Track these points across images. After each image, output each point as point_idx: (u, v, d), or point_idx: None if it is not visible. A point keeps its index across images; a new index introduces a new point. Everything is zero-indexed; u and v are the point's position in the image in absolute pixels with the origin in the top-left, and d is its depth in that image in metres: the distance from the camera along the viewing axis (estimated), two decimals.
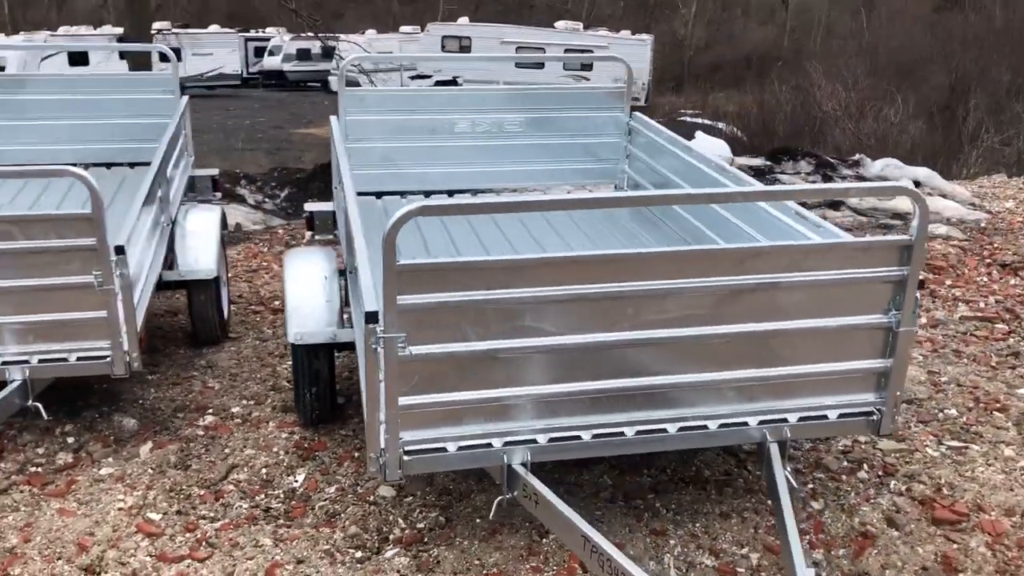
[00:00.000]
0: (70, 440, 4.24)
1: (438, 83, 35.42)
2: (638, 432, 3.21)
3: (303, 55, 40.14)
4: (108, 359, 3.96)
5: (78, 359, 3.97)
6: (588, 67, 33.13)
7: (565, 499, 3.02)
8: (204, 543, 3.46)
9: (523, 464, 3.14)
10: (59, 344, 3.96)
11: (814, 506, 3.68)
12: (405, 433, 3.03)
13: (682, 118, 32.87)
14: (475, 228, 5.04)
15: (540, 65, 33.16)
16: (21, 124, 6.22)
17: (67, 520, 3.58)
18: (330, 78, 38.53)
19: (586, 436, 3.18)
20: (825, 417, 3.35)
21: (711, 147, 13.88)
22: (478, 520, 3.60)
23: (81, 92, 6.31)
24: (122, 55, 25.29)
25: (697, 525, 3.58)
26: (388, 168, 5.60)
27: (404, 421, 3.01)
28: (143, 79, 6.52)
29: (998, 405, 4.55)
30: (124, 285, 3.90)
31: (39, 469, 4.01)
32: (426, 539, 3.50)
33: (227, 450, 4.17)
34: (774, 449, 3.31)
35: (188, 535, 3.52)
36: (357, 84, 31.51)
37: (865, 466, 3.99)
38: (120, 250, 3.85)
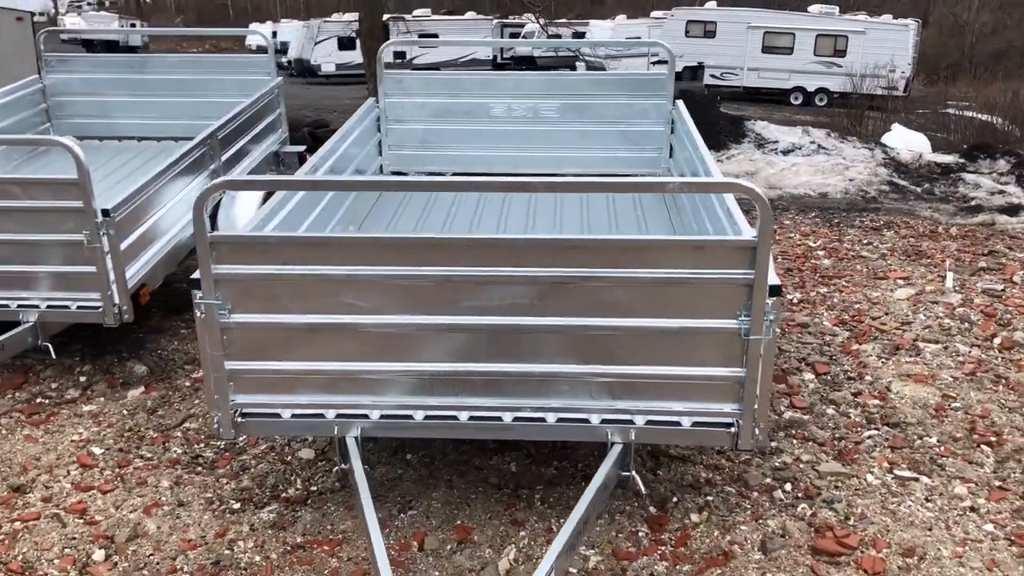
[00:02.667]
0: (82, 379, 4.81)
1: (685, 69, 34.96)
2: (471, 417, 3.21)
3: (554, 40, 40.91)
4: (100, 310, 4.47)
5: (77, 308, 4.51)
6: (842, 52, 31.31)
7: (422, 477, 3.11)
8: (119, 479, 3.85)
9: (355, 438, 3.25)
10: (63, 294, 4.52)
11: (692, 518, 3.49)
12: (239, 396, 3.23)
13: (947, 109, 30.24)
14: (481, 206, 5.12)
15: (790, 50, 31.81)
16: (140, 101, 6.99)
17: (27, 445, 4.11)
18: (578, 63, 39.01)
19: (418, 416, 3.23)
20: (678, 424, 3.18)
21: (906, 141, 12.86)
22: (328, 496, 3.73)
23: (191, 72, 6.99)
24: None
25: (561, 521, 3.51)
26: (424, 149, 5.78)
27: (236, 385, 3.21)
28: (245, 62, 7.09)
29: (993, 439, 4.04)
30: (113, 245, 4.38)
31: (47, 401, 4.60)
32: (309, 501, 3.69)
33: (196, 401, 4.56)
34: (615, 450, 3.19)
35: (118, 470, 3.93)
36: (602, 68, 31.50)
37: (788, 486, 3.72)
38: (106, 213, 4.33)
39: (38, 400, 4.59)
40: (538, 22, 35.03)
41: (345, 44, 37.63)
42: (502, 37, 43.78)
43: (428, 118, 5.79)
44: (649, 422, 3.19)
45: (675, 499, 3.62)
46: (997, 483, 3.70)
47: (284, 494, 3.75)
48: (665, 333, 3.05)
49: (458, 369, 3.16)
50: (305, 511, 3.59)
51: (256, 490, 3.77)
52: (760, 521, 3.47)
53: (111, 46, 45.30)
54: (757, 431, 3.15)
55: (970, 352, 5.05)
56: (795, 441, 4.09)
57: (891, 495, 3.63)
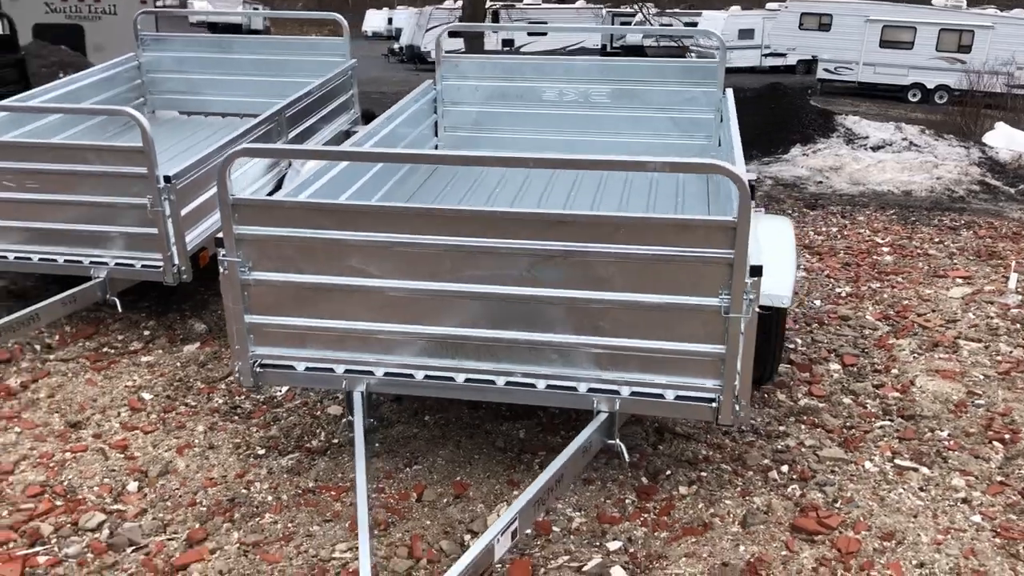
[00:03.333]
0: (146, 333, 5.22)
1: (799, 63, 34.21)
2: (467, 380, 3.42)
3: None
4: (160, 269, 4.85)
5: (141, 266, 4.91)
6: (967, 48, 30.13)
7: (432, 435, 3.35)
8: (161, 422, 4.21)
9: (361, 393, 3.50)
10: (129, 253, 4.92)
11: (680, 491, 3.61)
12: (258, 348, 3.52)
13: None
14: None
15: (910, 45, 30.77)
16: (225, 79, 7.42)
17: (87, 388, 4.52)
18: (688, 54, 38.61)
19: (419, 376, 3.45)
20: (662, 396, 3.31)
21: (1009, 140, 12.41)
22: (377, 445, 3.99)
23: (272, 53, 7.38)
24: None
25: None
26: (477, 131, 5.99)
27: (256, 337, 3.50)
28: (322, 44, 7.42)
29: (1008, 436, 4.02)
30: (174, 209, 4.76)
31: (112, 350, 5.01)
32: (328, 452, 3.97)
33: None
34: (600, 418, 3.35)
35: (162, 415, 4.29)
36: (686, 54, 30.92)
37: (785, 467, 3.80)
38: (168, 179, 4.70)
39: (104, 349, 5.01)
40: (642, 11, 34.74)
41: (455, 31, 38.10)
42: (613, 25, 43.66)
43: (482, 101, 6.00)
44: (634, 393, 3.33)
45: (668, 472, 3.75)
46: (999, 478, 3.70)
47: (307, 444, 4.04)
48: (650, 308, 3.19)
49: (455, 333, 3.36)
50: (322, 460, 3.87)
51: (282, 439, 4.07)
52: (747, 498, 3.57)
53: (235, 29, 47.04)
54: (738, 407, 3.25)
55: (1012, 352, 4.97)
56: (804, 427, 4.15)
57: (885, 483, 3.67)
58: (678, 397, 3.30)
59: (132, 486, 3.69)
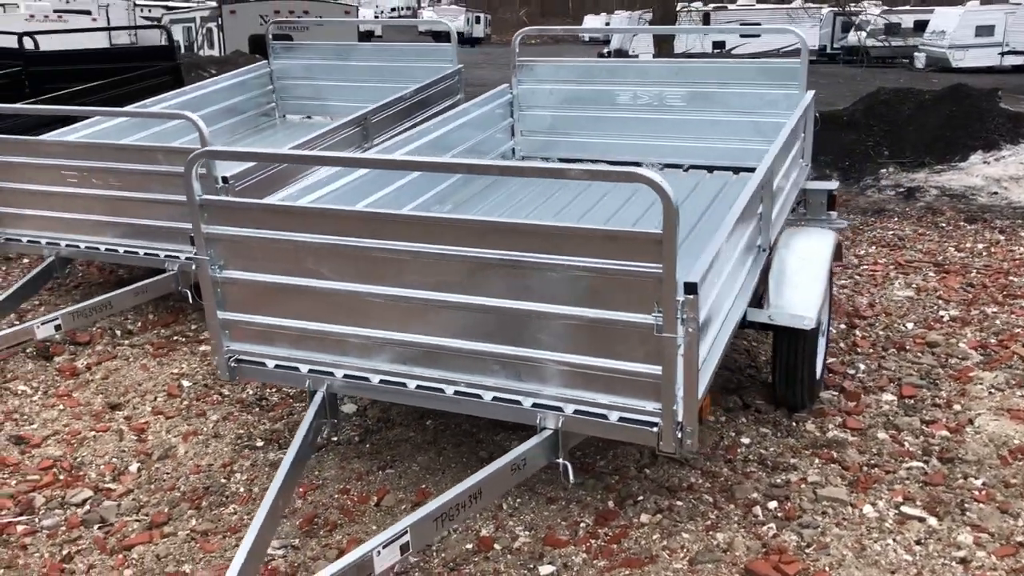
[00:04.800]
0: None
1: None
2: (418, 387, 3.38)
3: (892, 29, 38.19)
4: None
5: None
6: None
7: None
8: (187, 408, 4.44)
9: (324, 393, 3.54)
10: None
11: (642, 519, 3.40)
12: (234, 344, 3.64)
13: None
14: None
15: None
16: (344, 85, 7.73)
17: (139, 372, 4.85)
18: (916, 54, 36.25)
19: (374, 380, 3.45)
20: (605, 417, 3.13)
21: None
22: (368, 445, 4.03)
23: (386, 59, 7.62)
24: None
25: (518, 501, 3.57)
26: (553, 135, 5.90)
27: (231, 333, 3.63)
28: (432, 50, 7.55)
29: None
30: None
31: (183, 339, 5.35)
32: (324, 449, 4.05)
33: None
34: (544, 435, 3.20)
35: (194, 402, 4.54)
36: (945, 60, 28.72)
37: (773, 504, 3.49)
38: (225, 180, 4.95)
39: (174, 337, 5.35)
40: (845, 9, 32.80)
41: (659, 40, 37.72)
42: (834, 26, 41.56)
43: (556, 105, 5.90)
44: (577, 411, 3.16)
45: (640, 498, 3.53)
46: (1019, 538, 3.21)
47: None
48: (586, 322, 3.02)
49: (403, 339, 3.33)
50: (311, 457, 3.94)
51: (285, 433, 4.18)
52: (711, 533, 3.30)
53: (459, 37, 48.83)
54: (680, 435, 3.01)
55: None
56: (818, 461, 3.78)
57: (879, 531, 3.28)
58: (621, 419, 3.10)
59: (133, 467, 3.93)
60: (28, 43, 9.24)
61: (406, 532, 2.85)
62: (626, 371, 3.03)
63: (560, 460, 3.25)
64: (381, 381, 3.43)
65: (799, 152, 5.16)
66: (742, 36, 32.23)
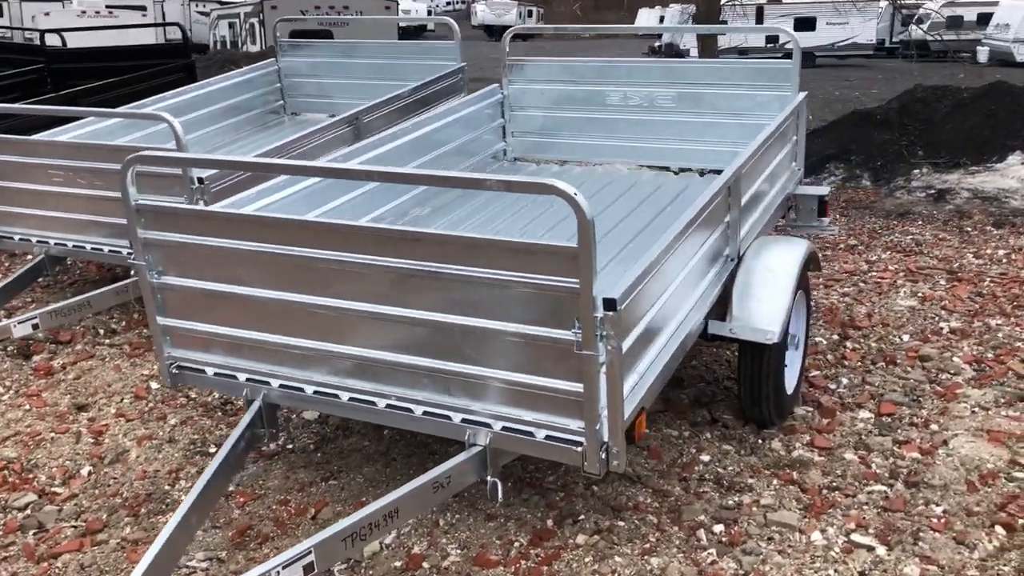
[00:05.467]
0: None
1: None
2: (351, 399, 3.30)
3: (954, 23, 37.15)
4: None
5: None
6: None
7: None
8: (150, 411, 4.43)
9: (259, 403, 3.48)
10: None
11: (578, 540, 3.28)
12: (173, 350, 3.60)
13: None
14: None
15: None
16: (347, 83, 7.68)
17: (111, 373, 4.85)
18: (979, 48, 35.28)
19: (309, 391, 3.38)
20: (532, 435, 3.01)
21: None
22: (320, 454, 3.96)
23: (388, 57, 7.54)
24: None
25: (456, 517, 3.48)
26: (544, 137, 5.77)
27: (172, 339, 3.58)
28: (434, 48, 7.46)
29: (1022, 521, 3.27)
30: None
31: None
32: (276, 457, 4.00)
33: None
34: (472, 451, 3.10)
35: (159, 405, 4.52)
36: (1008, 53, 27.86)
37: (719, 528, 3.34)
38: (201, 180, 4.92)
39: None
40: (902, 2, 31.90)
41: (800, 26, 36.90)
42: (893, 19, 40.60)
43: (547, 105, 5.77)
44: (505, 428, 3.05)
45: (582, 517, 3.41)
46: (970, 572, 3.02)
47: (264, 447, 4.07)
48: (509, 337, 2.91)
49: (335, 350, 3.25)
50: (257, 465, 3.89)
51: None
52: (646, 557, 3.16)
53: (515, 36, 48.68)
54: (605, 455, 2.89)
55: None
56: (777, 482, 3.62)
57: (823, 559, 3.11)
58: (548, 437, 2.98)
59: (85, 471, 3.91)
60: (55, 40, 9.36)
61: (310, 552, 2.76)
62: (550, 388, 2.91)
63: (489, 478, 3.14)
64: (315, 392, 3.36)
65: (789, 156, 4.97)
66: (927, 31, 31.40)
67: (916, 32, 40.37)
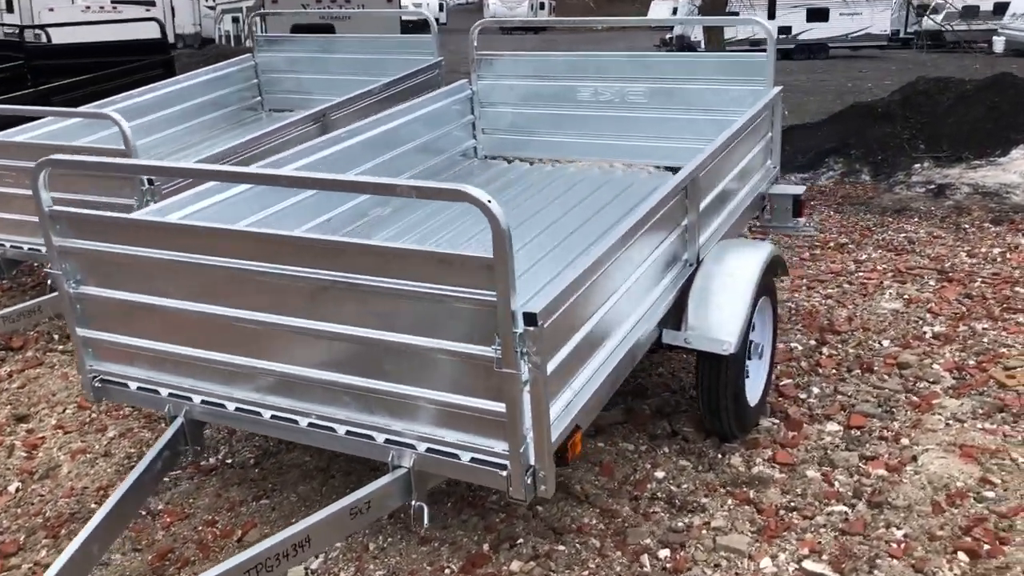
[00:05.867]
0: None
1: None
2: (273, 416, 3.12)
3: (969, 12, 36.60)
4: None
5: None
6: None
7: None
8: (90, 423, 4.27)
9: (182, 420, 3.30)
10: None
11: (513, 566, 3.09)
12: (97, 363, 3.42)
13: None
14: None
15: None
16: (325, 78, 7.49)
17: (58, 382, 4.69)
18: (995, 38, 34.76)
19: (230, 407, 3.20)
20: (457, 457, 2.82)
21: None
22: (259, 469, 3.79)
23: (367, 52, 7.36)
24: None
25: (388, 540, 3.29)
26: (515, 134, 5.57)
27: (93, 351, 3.41)
28: (412, 43, 7.27)
29: (989, 546, 3.05)
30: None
31: None
32: (214, 472, 3.83)
33: None
34: (397, 473, 2.91)
35: (101, 416, 4.35)
36: None
37: (665, 552, 3.14)
38: (151, 182, 4.75)
39: None
40: None
41: (813, 16, 36.41)
42: (908, 9, 40.07)
43: (517, 102, 5.56)
44: (430, 450, 2.86)
45: (520, 540, 3.22)
46: None
47: (203, 461, 3.91)
48: (429, 352, 2.72)
49: (255, 365, 3.07)
50: (190, 482, 3.72)
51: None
52: None
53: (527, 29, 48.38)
54: (531, 480, 2.69)
55: None
56: (732, 502, 3.42)
57: None
58: (473, 459, 2.79)
59: (12, 487, 3.76)
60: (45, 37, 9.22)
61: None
62: (472, 408, 2.72)
63: (414, 502, 2.95)
64: (237, 409, 3.18)
65: (763, 153, 4.75)
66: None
67: (927, 23, 39.78)
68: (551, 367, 2.69)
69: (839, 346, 4.82)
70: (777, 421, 4.00)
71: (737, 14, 19.10)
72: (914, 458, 3.63)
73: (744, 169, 4.45)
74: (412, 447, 2.88)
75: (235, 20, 24.85)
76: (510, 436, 2.65)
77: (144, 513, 3.49)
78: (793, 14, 33.34)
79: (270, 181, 3.10)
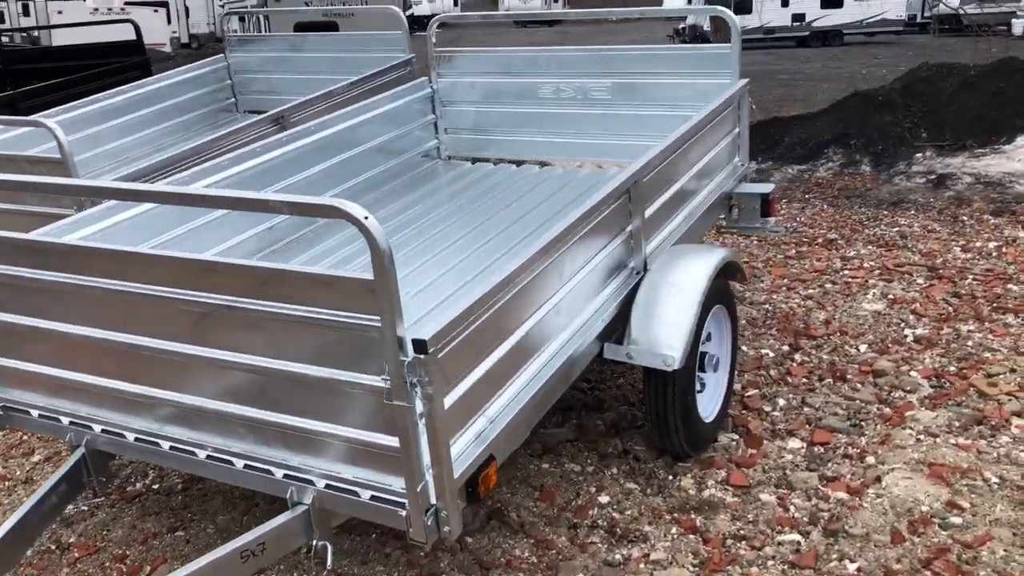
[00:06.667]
0: None
1: None
2: (172, 447, 2.91)
3: None
4: None
5: None
6: None
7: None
8: (19, 445, 4.08)
9: (83, 449, 3.10)
10: None
11: None
12: (2, 391, 3.22)
13: None
14: None
15: None
16: (298, 78, 7.26)
17: None
18: (1014, 20, 34.09)
19: (130, 437, 2.99)
20: (356, 494, 2.60)
21: None
22: (182, 496, 3.59)
23: (339, 50, 7.13)
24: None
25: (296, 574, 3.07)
26: (478, 134, 5.34)
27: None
28: (383, 39, 7.01)
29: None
30: None
31: None
32: (138, 499, 3.63)
33: None
34: (297, 510, 2.69)
35: (34, 438, 4.16)
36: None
37: None
38: None
39: None
40: None
41: (740, 7, 36.11)
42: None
43: (478, 100, 5.32)
44: (329, 486, 2.64)
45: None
46: None
47: (130, 487, 3.71)
48: (320, 382, 2.49)
49: (148, 393, 2.86)
50: (111, 510, 3.52)
51: (109, 484, 3.76)
52: None
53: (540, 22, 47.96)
54: (432, 521, 2.46)
55: None
56: (676, 529, 3.17)
57: None
58: (373, 497, 2.57)
59: None
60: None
61: None
62: (367, 442, 2.50)
63: (316, 541, 2.73)
64: (137, 439, 2.97)
65: (729, 150, 4.49)
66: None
67: (942, 7, 39.11)
68: (453, 397, 2.47)
69: (812, 352, 4.55)
70: (737, 437, 3.75)
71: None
72: (878, 479, 3.36)
73: (705, 167, 4.19)
74: (311, 483, 2.66)
75: (241, 20, 24.69)
76: (406, 473, 2.43)
77: (53, 547, 3.29)
78: (807, 0, 32.78)
79: (132, 197, 2.88)
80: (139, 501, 3.59)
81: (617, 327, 3.35)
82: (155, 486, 3.70)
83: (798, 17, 33.67)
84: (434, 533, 2.47)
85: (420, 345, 2.29)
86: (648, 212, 3.56)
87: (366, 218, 2.17)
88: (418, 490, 2.43)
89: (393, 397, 2.33)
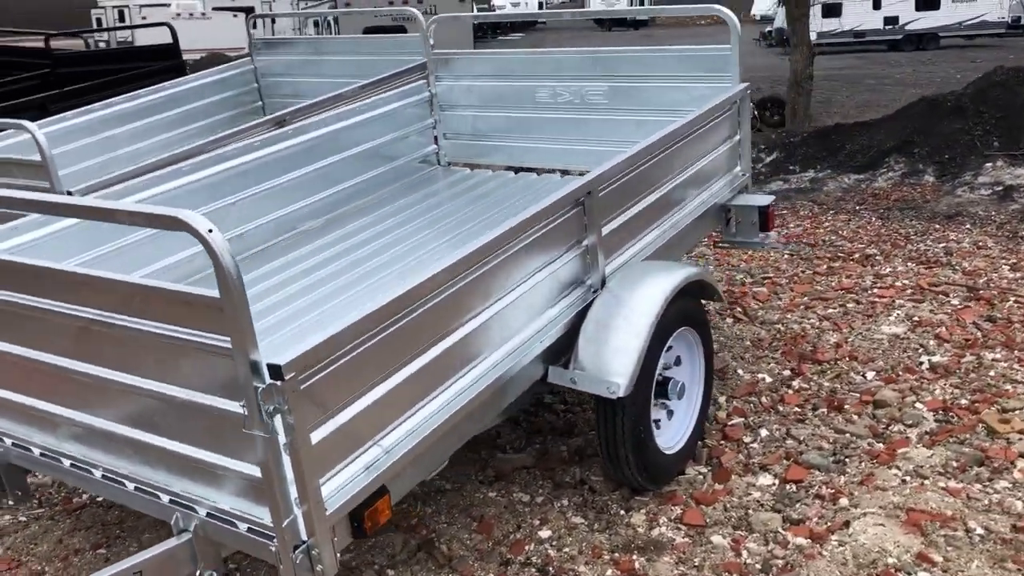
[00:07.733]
0: None
1: None
2: (72, 464, 2.79)
3: None
4: None
5: None
6: None
7: None
8: None
9: (2, 463, 3.01)
10: None
11: None
12: None
13: None
14: None
15: None
16: (321, 81, 7.15)
17: None
18: None
19: (36, 452, 2.89)
20: (235, 525, 2.42)
21: None
22: (117, 511, 3.48)
23: (359, 54, 7.00)
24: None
25: None
26: (477, 139, 5.14)
27: None
28: (400, 43, 6.86)
29: None
30: None
31: None
32: (79, 512, 3.54)
33: None
34: (183, 538, 2.53)
35: None
36: None
37: None
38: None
39: None
40: None
41: (829, 11, 35.06)
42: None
43: (477, 104, 5.11)
44: (210, 515, 2.47)
45: None
46: None
47: (76, 498, 3.63)
48: (183, 405, 2.33)
49: (46, 409, 2.75)
50: (46, 524, 3.43)
51: (51, 490, 3.69)
52: None
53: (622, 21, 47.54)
54: (301, 559, 2.27)
55: None
56: (613, 571, 2.91)
57: None
58: (250, 529, 2.39)
59: None
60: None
61: None
62: (237, 472, 2.32)
63: (199, 572, 2.56)
64: (41, 454, 2.86)
65: (727, 158, 4.18)
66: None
67: None
68: (331, 426, 2.28)
69: (813, 378, 4.20)
70: (707, 470, 3.45)
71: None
72: (846, 523, 3.03)
73: (694, 177, 3.90)
74: (194, 511, 2.50)
75: (316, 24, 25.07)
76: (271, 506, 2.24)
77: None
78: (901, 3, 31.60)
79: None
80: (77, 514, 3.49)
81: (567, 348, 3.11)
82: (98, 499, 3.60)
83: (891, 20, 32.52)
84: (306, 571, 2.28)
85: (276, 371, 2.10)
86: (609, 225, 3.30)
87: (210, 231, 1.99)
88: (284, 525, 2.23)
89: (251, 425, 2.14)
